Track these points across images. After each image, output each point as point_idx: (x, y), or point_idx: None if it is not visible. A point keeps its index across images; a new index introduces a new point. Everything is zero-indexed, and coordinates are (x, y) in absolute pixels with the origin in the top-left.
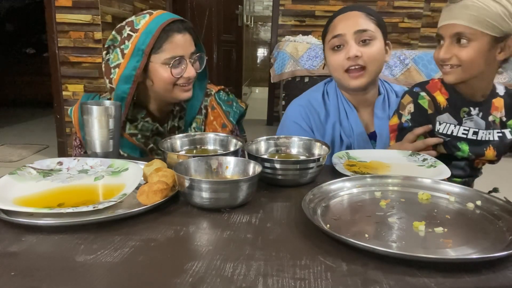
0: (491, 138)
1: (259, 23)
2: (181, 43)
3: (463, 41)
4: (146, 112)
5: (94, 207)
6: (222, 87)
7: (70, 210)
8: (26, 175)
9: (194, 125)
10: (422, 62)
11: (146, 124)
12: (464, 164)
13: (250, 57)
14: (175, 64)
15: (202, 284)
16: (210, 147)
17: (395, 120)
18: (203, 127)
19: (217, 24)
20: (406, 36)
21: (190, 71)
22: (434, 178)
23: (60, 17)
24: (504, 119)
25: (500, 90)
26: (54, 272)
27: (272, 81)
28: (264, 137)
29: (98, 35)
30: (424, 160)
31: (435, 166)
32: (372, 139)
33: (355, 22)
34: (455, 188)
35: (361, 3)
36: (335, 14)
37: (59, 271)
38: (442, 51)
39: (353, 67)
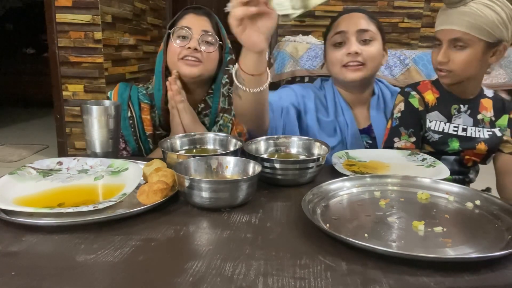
0: (481, 136)
1: None
2: (192, 19)
3: (460, 46)
4: None
5: (94, 207)
6: None
7: (70, 210)
8: (26, 175)
9: (221, 122)
10: (422, 62)
11: None
12: (453, 159)
13: None
14: (181, 35)
15: (202, 283)
16: (210, 147)
17: (390, 121)
18: (230, 125)
19: None
20: (406, 36)
21: (192, 43)
22: (433, 178)
23: (60, 17)
24: (493, 119)
25: (488, 92)
26: (54, 272)
27: (271, 81)
28: (264, 137)
29: (98, 35)
30: (423, 159)
31: (434, 166)
32: (362, 134)
33: (357, 21)
34: (454, 187)
35: (361, 5)
36: (339, 15)
37: (59, 271)
38: (441, 55)
39: (351, 63)
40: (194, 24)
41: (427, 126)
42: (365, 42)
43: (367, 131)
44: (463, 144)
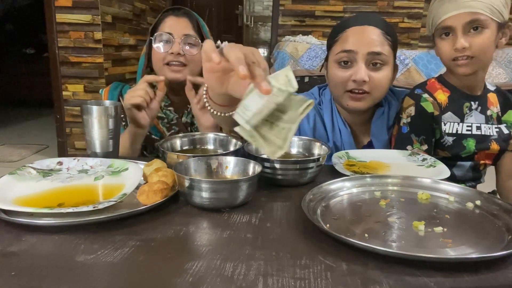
0: (492, 133)
1: (259, 23)
2: (172, 22)
3: (476, 29)
4: (170, 102)
5: (94, 207)
6: None
7: (70, 210)
8: (26, 175)
9: None
10: (422, 62)
11: (168, 112)
12: (468, 166)
13: None
14: (163, 40)
15: (202, 284)
16: (210, 147)
17: (396, 127)
18: None
19: (217, 24)
20: (406, 36)
21: (174, 48)
22: (434, 178)
23: (60, 17)
24: (500, 114)
25: (490, 86)
26: (54, 272)
27: None
28: None
29: (98, 35)
30: (424, 159)
31: (434, 166)
32: None
33: (370, 40)
34: (455, 188)
35: (377, 15)
36: (349, 23)
37: (59, 271)
38: (460, 41)
39: (356, 90)
40: (175, 28)
41: (443, 130)
42: (375, 66)
43: (367, 148)
44: (478, 144)
